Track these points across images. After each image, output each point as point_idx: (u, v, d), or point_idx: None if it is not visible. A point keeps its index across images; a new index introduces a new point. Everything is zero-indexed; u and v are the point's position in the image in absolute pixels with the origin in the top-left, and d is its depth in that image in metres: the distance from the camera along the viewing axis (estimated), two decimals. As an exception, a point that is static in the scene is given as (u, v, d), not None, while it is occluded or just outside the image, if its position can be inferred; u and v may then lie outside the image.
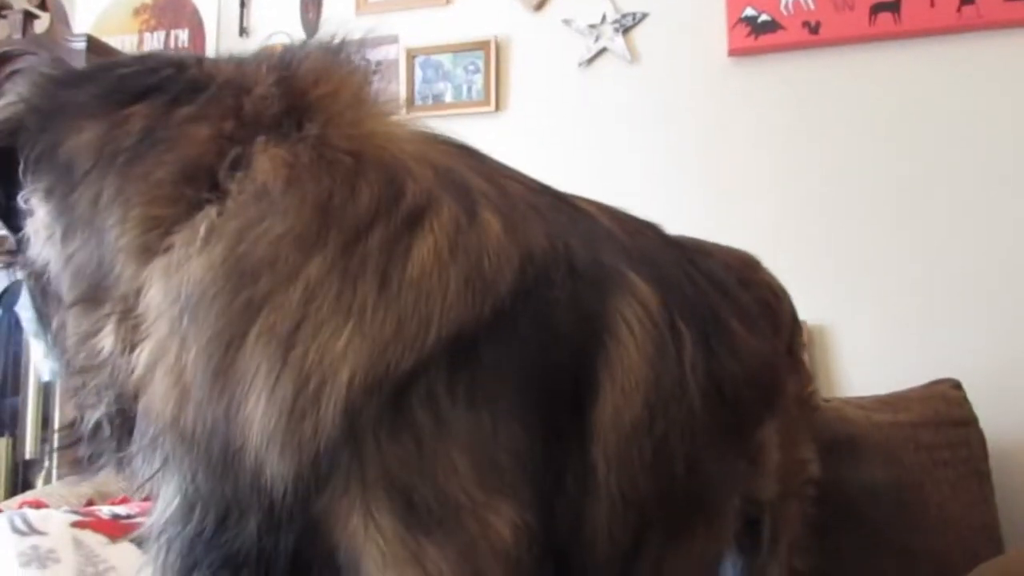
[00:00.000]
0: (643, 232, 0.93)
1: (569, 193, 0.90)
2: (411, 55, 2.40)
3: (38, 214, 0.70)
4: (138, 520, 1.30)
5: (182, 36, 2.71)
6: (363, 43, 0.79)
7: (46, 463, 2.35)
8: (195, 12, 2.70)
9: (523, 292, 0.69)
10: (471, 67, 2.36)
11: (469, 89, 2.36)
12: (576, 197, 0.90)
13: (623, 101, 2.21)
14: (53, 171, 0.70)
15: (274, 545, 0.65)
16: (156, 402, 0.65)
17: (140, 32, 2.75)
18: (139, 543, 1.25)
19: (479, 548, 0.66)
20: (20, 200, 0.72)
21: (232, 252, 0.64)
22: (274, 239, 0.64)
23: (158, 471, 0.68)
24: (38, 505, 1.32)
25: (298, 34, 2.55)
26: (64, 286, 0.70)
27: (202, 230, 0.65)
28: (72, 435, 0.73)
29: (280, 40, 2.57)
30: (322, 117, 0.70)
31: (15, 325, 2.46)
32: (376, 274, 0.64)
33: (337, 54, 0.76)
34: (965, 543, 1.42)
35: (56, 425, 2.38)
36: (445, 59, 2.38)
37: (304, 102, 0.71)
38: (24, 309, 0.78)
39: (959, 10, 1.99)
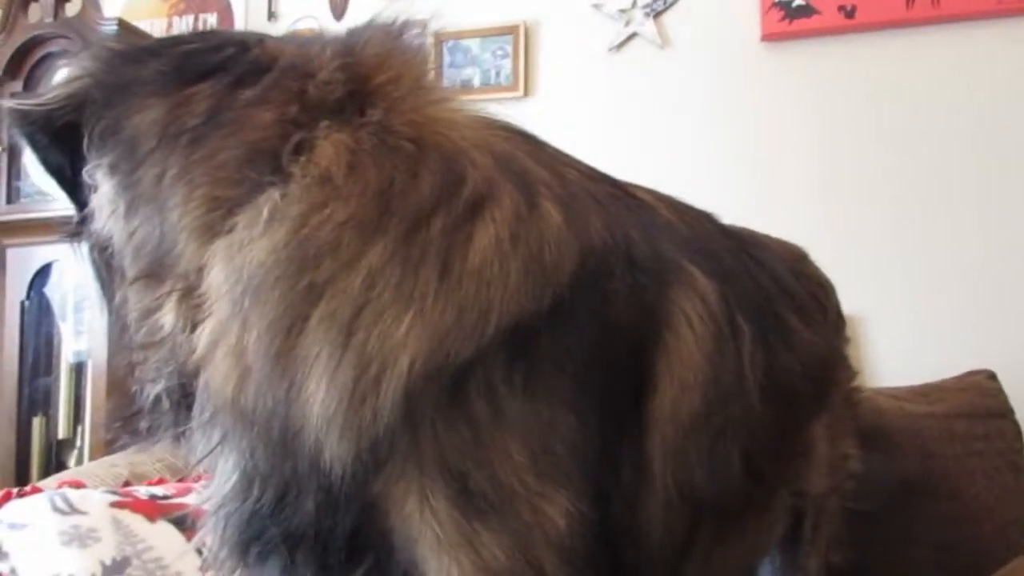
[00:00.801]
0: (701, 223, 0.92)
1: (627, 182, 0.89)
2: (439, 39, 2.39)
3: (103, 189, 0.72)
4: (175, 501, 1.32)
5: (211, 20, 2.71)
6: (425, 25, 0.80)
7: (78, 443, 2.39)
8: (224, -4, 2.71)
9: (583, 283, 0.69)
10: (499, 52, 2.35)
11: (497, 74, 2.35)
12: (634, 186, 0.89)
13: (653, 87, 2.19)
14: (118, 147, 0.71)
15: (331, 525, 0.67)
16: (217, 381, 0.66)
17: (169, 16, 2.76)
18: (178, 523, 1.28)
19: (533, 535, 0.66)
20: (85, 175, 0.73)
21: (295, 236, 0.64)
22: (337, 224, 0.65)
23: (216, 447, 0.69)
24: (77, 485, 1.33)
25: (326, 18, 2.55)
26: (127, 260, 0.72)
27: (265, 212, 0.65)
28: (132, 407, 0.75)
29: (308, 24, 2.56)
30: (384, 103, 0.70)
31: (47, 307, 2.50)
32: (437, 262, 0.65)
33: (398, 38, 0.76)
34: (1000, 535, 1.41)
35: (88, 406, 2.44)
36: (473, 43, 2.38)
37: (367, 88, 0.71)
38: (87, 282, 0.79)
39: (1000, -7, 1.96)
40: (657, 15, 2.21)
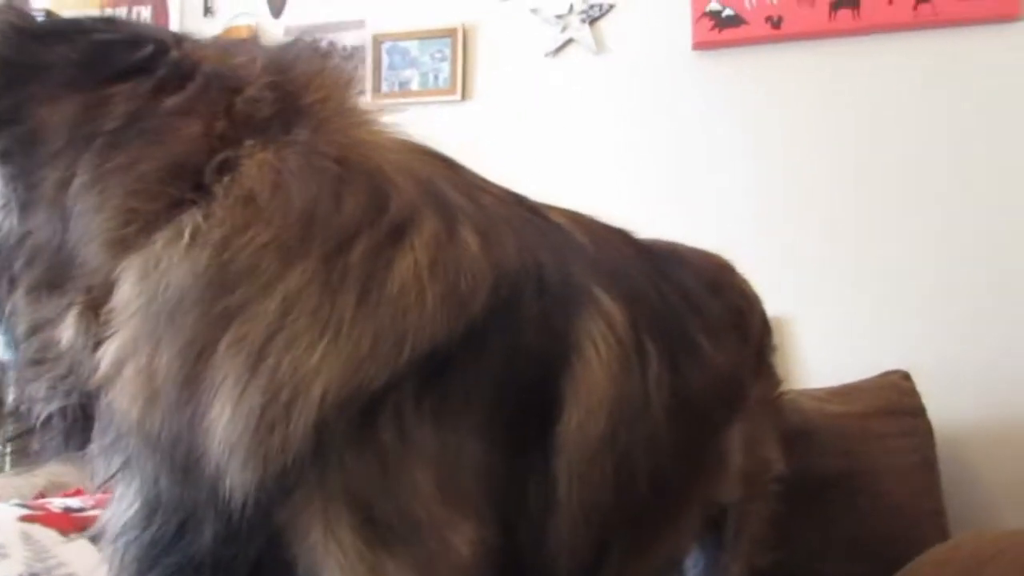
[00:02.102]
0: (614, 244, 0.94)
1: (541, 203, 0.91)
2: (378, 41, 2.38)
3: None
4: (92, 513, 1.25)
5: (144, 13, 2.65)
6: (352, 54, 0.80)
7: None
8: (158, -10, 2.65)
9: (495, 311, 0.70)
10: (438, 54, 2.36)
11: (436, 77, 2.36)
12: (549, 207, 0.90)
13: (589, 91, 2.23)
14: (15, 135, 0.67)
15: (233, 555, 0.65)
16: (122, 402, 0.63)
17: (101, 9, 2.69)
18: (94, 539, 1.24)
19: (438, 565, 0.66)
20: None
21: (217, 259, 0.63)
22: (258, 247, 0.63)
23: (118, 471, 0.67)
24: None
25: (263, 15, 2.52)
26: (17, 264, 0.67)
27: (187, 233, 0.63)
28: (20, 427, 0.72)
29: (245, 21, 2.53)
30: (312, 123, 0.70)
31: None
32: (356, 288, 0.64)
33: (327, 58, 0.75)
34: (914, 530, 1.49)
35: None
36: (412, 45, 2.38)
37: (295, 106, 0.70)
38: None
39: (915, 8, 2.04)
40: (593, 22, 2.25)
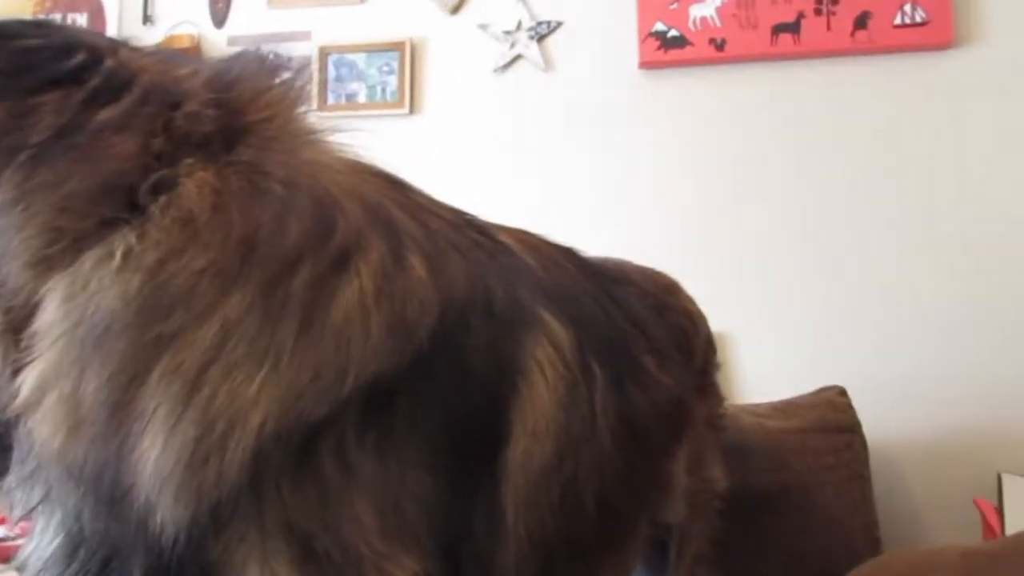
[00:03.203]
0: (561, 264, 0.93)
1: (489, 223, 0.89)
2: (324, 53, 2.37)
3: None
4: (17, 543, 1.24)
5: (81, 21, 2.59)
6: (303, 67, 0.75)
7: None
8: (96, -4, 2.59)
9: (441, 339, 0.68)
10: (385, 68, 2.35)
11: (383, 90, 2.35)
12: (496, 227, 0.89)
13: (537, 108, 2.25)
14: None
15: None
16: (44, 432, 0.60)
17: (35, 14, 2.62)
18: (19, 570, 1.20)
19: None
20: None
21: (150, 283, 0.60)
22: (194, 272, 0.60)
23: (38, 504, 0.63)
24: None
25: (205, 25, 2.48)
26: None
27: (118, 255, 0.60)
28: None
29: (186, 30, 2.49)
30: (256, 142, 0.67)
31: None
32: (297, 316, 0.62)
33: (274, 74, 0.72)
34: (847, 543, 1.52)
35: None
36: (359, 58, 2.37)
37: (238, 124, 0.67)
38: None
39: (852, 34, 2.10)
40: (541, 39, 2.26)
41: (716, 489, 1.24)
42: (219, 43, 2.42)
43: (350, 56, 2.37)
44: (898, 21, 2.10)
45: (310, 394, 0.61)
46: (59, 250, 0.61)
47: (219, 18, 2.48)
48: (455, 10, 2.32)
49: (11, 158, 0.62)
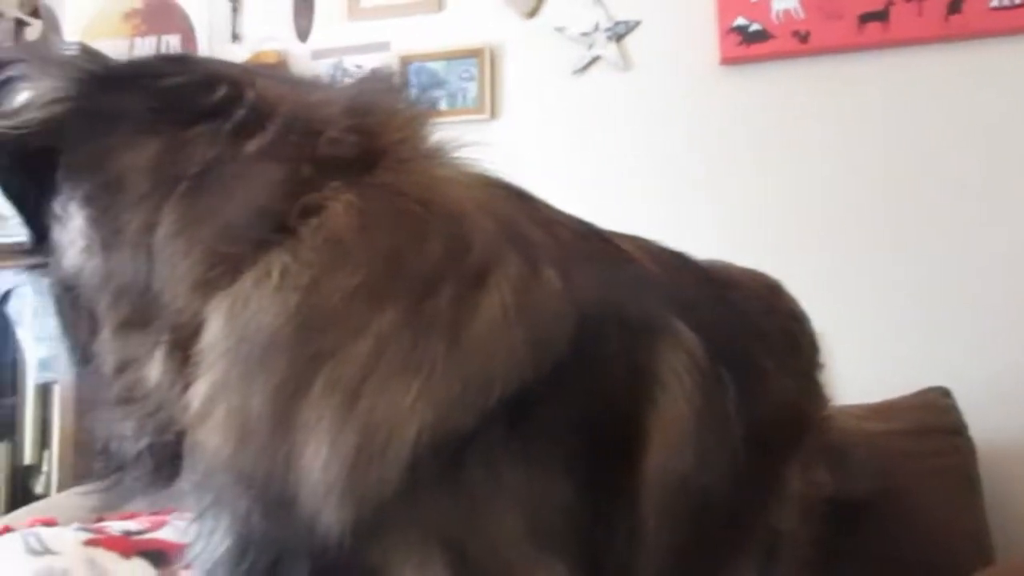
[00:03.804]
0: (679, 270, 0.94)
1: (609, 231, 0.90)
2: (404, 62, 2.40)
3: (74, 222, 0.68)
4: (149, 536, 1.30)
5: (173, 42, 2.70)
6: (427, 87, 0.80)
7: (44, 468, 2.35)
8: (185, 17, 2.69)
9: (579, 348, 0.69)
10: (465, 74, 2.38)
11: (464, 96, 2.37)
12: (616, 235, 0.90)
13: (617, 108, 2.23)
14: (98, 182, 0.67)
15: None
16: (214, 441, 0.64)
17: (131, 37, 2.74)
18: (153, 560, 1.27)
19: None
20: (56, 205, 0.69)
21: (307, 301, 0.63)
22: (348, 291, 0.64)
23: (208, 508, 0.68)
24: (49, 523, 1.33)
25: (290, 40, 2.55)
26: (102, 304, 0.68)
27: (275, 274, 0.64)
28: (109, 465, 0.72)
29: (272, 47, 2.56)
30: (392, 163, 0.70)
31: (10, 324, 2.44)
32: (445, 332, 0.64)
33: (400, 94, 0.77)
34: (955, 553, 1.46)
35: (56, 431, 2.36)
36: (439, 66, 2.39)
37: (376, 148, 0.70)
38: (46, 318, 0.75)
39: (946, 19, 2.02)
40: (619, 39, 2.25)
41: (823, 493, 1.21)
42: (303, 57, 2.48)
43: (430, 64, 2.40)
44: (995, 3, 2.01)
45: (460, 405, 0.64)
46: (220, 273, 0.65)
47: (303, 33, 2.55)
48: (532, 14, 2.33)
49: (172, 188, 0.66)
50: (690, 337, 0.80)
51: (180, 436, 0.67)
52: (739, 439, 0.85)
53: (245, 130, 0.68)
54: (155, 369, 0.67)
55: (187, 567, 0.73)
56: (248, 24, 2.60)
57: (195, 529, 0.70)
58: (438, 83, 2.40)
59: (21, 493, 2.35)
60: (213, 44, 2.61)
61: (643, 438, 0.75)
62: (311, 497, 0.62)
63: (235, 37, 2.60)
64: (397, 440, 0.62)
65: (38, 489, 2.33)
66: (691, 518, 0.78)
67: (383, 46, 2.44)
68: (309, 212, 0.66)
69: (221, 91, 0.70)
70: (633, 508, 0.74)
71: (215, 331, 0.64)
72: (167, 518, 1.33)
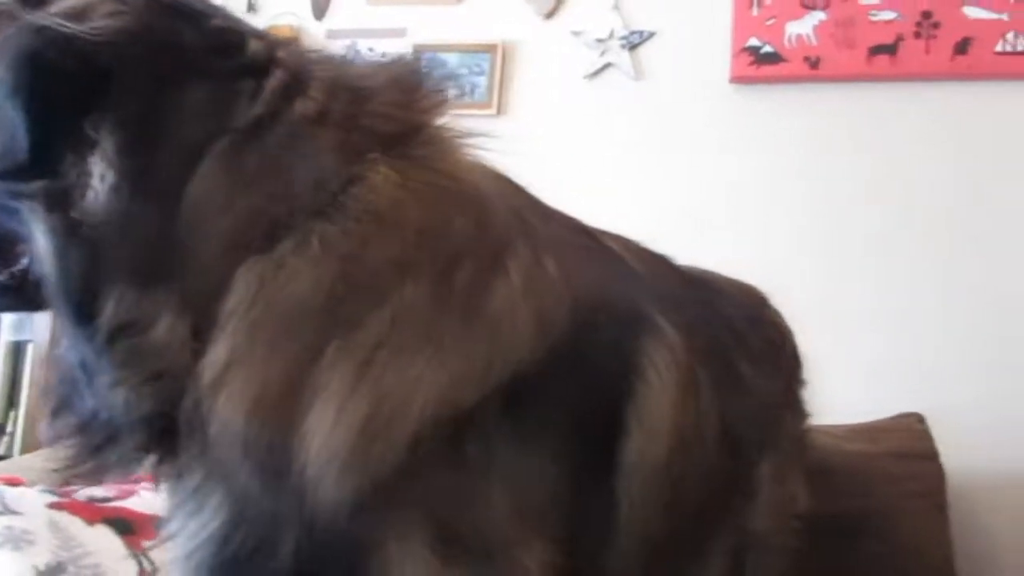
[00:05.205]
0: (663, 271, 0.97)
1: (597, 229, 0.93)
2: (418, 51, 2.41)
3: (103, 145, 0.62)
4: (115, 504, 1.27)
5: (186, 7, 2.69)
6: (449, 75, 0.80)
7: (10, 428, 2.23)
8: (201, -15, 2.68)
9: (572, 336, 0.72)
10: (476, 68, 2.39)
11: (472, 90, 2.39)
12: (603, 234, 0.93)
13: (625, 116, 2.26)
14: (138, 111, 0.63)
15: (310, 568, 0.64)
16: (227, 410, 0.61)
17: None
18: (118, 528, 1.19)
19: None
20: (87, 125, 0.62)
21: (343, 271, 0.63)
22: (379, 262, 0.64)
23: (203, 483, 0.65)
24: (14, 483, 1.28)
25: (306, 16, 2.55)
26: (116, 253, 0.63)
27: (315, 242, 0.63)
28: (94, 439, 0.66)
29: (288, 21, 2.56)
30: (427, 140, 0.72)
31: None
32: (460, 308, 0.65)
33: (430, 79, 0.77)
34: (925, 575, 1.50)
35: (25, 391, 2.27)
36: (451, 58, 2.41)
37: (413, 124, 0.72)
38: (44, 261, 0.64)
39: (952, 59, 2.07)
40: (633, 48, 2.28)
41: (797, 507, 1.24)
42: (318, 36, 2.49)
43: (443, 55, 2.41)
44: (1000, 48, 2.06)
45: (464, 382, 0.65)
46: (259, 233, 0.64)
47: (320, 11, 2.55)
48: (549, 15, 2.35)
49: (216, 138, 0.65)
50: (672, 334, 0.83)
51: (177, 407, 0.63)
52: (712, 437, 0.87)
53: (289, 90, 0.67)
54: (164, 331, 0.63)
55: (163, 543, 0.71)
56: (264, -4, 2.60)
57: (184, 505, 0.67)
58: (449, 75, 2.41)
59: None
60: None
61: (623, 426, 0.77)
62: (312, 465, 0.61)
63: (250, 7, 2.60)
64: (404, 413, 0.62)
65: (0, 451, 2.25)
66: (663, 508, 0.80)
67: (399, 32, 2.45)
68: (353, 182, 0.66)
69: (255, 46, 0.69)
70: (609, 494, 0.76)
71: (242, 294, 0.62)
72: (136, 487, 1.30)
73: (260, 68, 0.68)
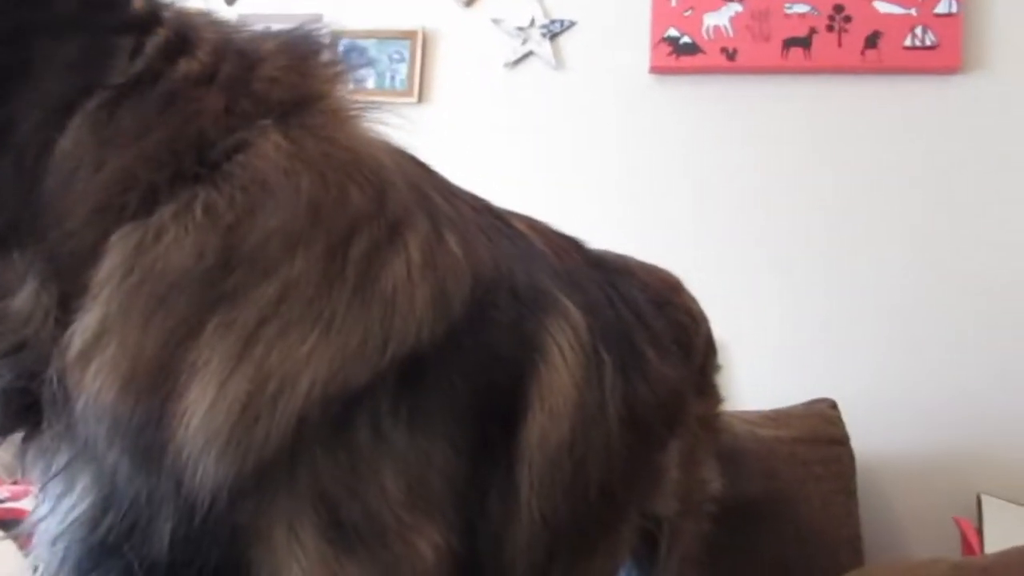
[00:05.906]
0: (570, 252, 0.96)
1: (504, 210, 0.91)
2: (335, 37, 2.36)
3: None
4: (9, 505, 1.21)
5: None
6: (350, 48, 0.77)
7: None
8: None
9: (472, 315, 0.70)
10: (396, 56, 2.35)
11: (392, 78, 2.35)
12: (510, 214, 0.91)
13: (546, 105, 2.25)
14: (4, 60, 0.59)
15: (189, 557, 0.60)
16: (95, 384, 0.57)
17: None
18: (13, 533, 1.16)
19: (401, 570, 0.65)
20: None
21: (225, 241, 0.59)
22: (266, 232, 0.61)
23: (69, 463, 0.61)
24: None
25: (216, 1, 2.47)
26: None
27: (198, 210, 0.59)
28: None
29: (195, 6, 2.48)
30: (324, 109, 0.68)
31: None
32: (351, 284, 0.62)
33: (332, 48, 0.74)
34: (832, 555, 1.53)
35: None
36: (370, 45, 2.36)
37: (307, 92, 0.68)
38: None
39: (863, 53, 2.12)
40: (553, 37, 2.27)
41: (708, 490, 1.25)
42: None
43: (361, 42, 2.36)
44: (908, 43, 2.11)
45: (356, 361, 0.62)
46: (134, 197, 0.60)
47: (230, -5, 2.47)
48: (469, 3, 2.32)
49: (86, 95, 0.60)
50: (576, 314, 0.81)
51: (38, 380, 0.59)
52: (615, 418, 0.86)
53: (173, 49, 0.64)
54: (26, 299, 0.59)
55: (33, 528, 0.65)
56: (175, -21, 2.51)
57: (53, 487, 0.63)
58: (368, 62, 2.37)
59: None
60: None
61: (524, 407, 0.75)
62: (189, 446, 0.57)
63: (160, -9, 2.51)
64: (289, 391, 0.59)
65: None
66: (565, 490, 0.79)
67: (315, 19, 2.38)
68: (240, 148, 0.63)
69: (139, 3, 0.65)
70: (509, 476, 0.74)
71: (115, 262, 0.58)
72: (31, 488, 1.26)
73: (143, 26, 0.64)
